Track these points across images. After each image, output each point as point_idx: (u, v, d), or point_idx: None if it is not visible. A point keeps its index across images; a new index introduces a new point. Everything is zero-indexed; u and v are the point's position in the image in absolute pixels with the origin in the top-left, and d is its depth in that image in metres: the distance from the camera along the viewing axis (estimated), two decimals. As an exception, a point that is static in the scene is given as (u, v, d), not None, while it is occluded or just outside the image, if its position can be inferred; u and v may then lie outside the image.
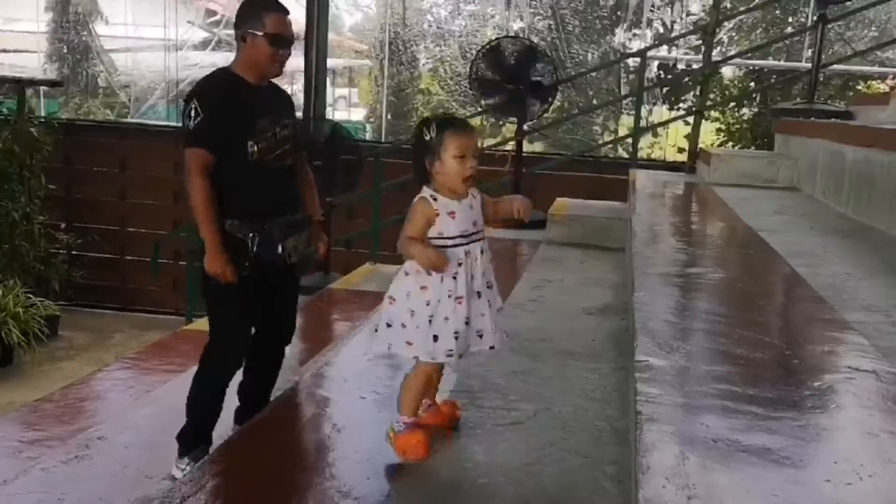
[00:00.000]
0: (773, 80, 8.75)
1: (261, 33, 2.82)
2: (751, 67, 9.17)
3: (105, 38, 10.68)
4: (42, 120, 7.96)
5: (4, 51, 10.82)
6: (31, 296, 6.74)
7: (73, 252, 8.01)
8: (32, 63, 10.34)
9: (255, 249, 2.86)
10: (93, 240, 8.19)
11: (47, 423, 4.04)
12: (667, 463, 1.21)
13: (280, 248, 2.91)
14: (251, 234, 2.85)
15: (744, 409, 1.43)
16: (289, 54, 2.93)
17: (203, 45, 10.57)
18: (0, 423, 4.18)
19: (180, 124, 2.91)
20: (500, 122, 9.07)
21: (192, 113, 2.77)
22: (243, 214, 2.85)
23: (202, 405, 3.05)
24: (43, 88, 9.59)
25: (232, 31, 3.02)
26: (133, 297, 8.54)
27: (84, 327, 7.62)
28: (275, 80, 3.06)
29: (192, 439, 3.04)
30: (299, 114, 5.51)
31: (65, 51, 10.33)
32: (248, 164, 2.83)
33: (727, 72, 9.25)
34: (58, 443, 3.65)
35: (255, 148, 2.82)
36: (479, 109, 7.32)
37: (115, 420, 3.82)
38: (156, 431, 3.41)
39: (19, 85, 7.62)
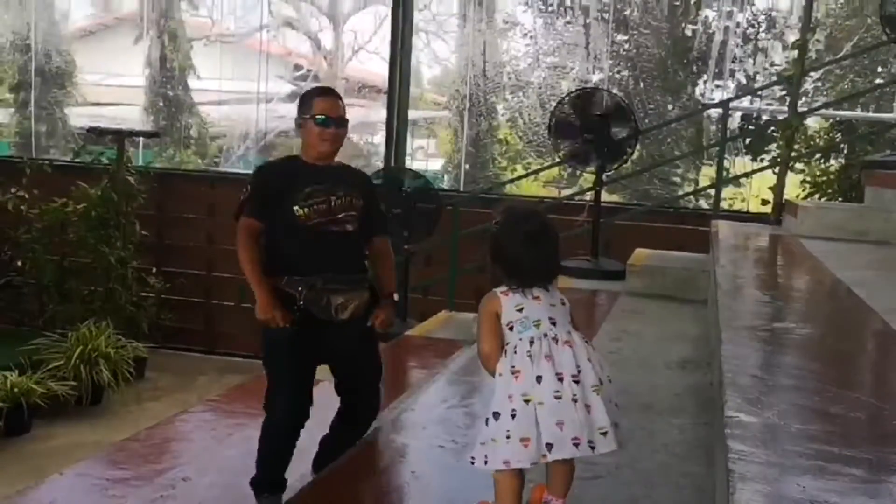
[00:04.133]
0: (861, 132, 8.51)
1: (308, 116, 3.10)
2: (838, 118, 8.94)
3: (198, 92, 11.22)
4: (139, 169, 8.35)
5: (110, 104, 11.47)
6: (121, 337, 7.00)
7: (163, 296, 8.30)
8: (133, 115, 10.92)
9: (301, 302, 2.96)
10: (181, 284, 8.47)
11: (133, 463, 4.15)
12: (761, 523, 1.18)
13: (325, 301, 2.99)
14: (300, 288, 2.98)
15: (842, 471, 1.37)
16: (339, 133, 3.13)
17: (290, 97, 10.98)
18: (88, 462, 4.32)
19: None
20: (578, 173, 9.07)
21: (245, 189, 3.13)
22: (294, 272, 3.00)
23: (267, 453, 3.10)
24: (142, 139, 10.09)
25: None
26: (217, 341, 8.76)
27: (169, 369, 7.84)
28: (348, 164, 3.31)
29: (262, 486, 3.08)
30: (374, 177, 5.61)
31: (161, 104, 10.87)
32: (298, 227, 3.00)
33: (813, 122, 9.04)
34: (143, 482, 3.75)
35: (303, 212, 3.00)
36: (557, 159, 7.33)
37: (198, 461, 3.90)
38: (238, 473, 3.46)
39: (119, 136, 8.04)
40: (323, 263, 3.01)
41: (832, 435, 1.56)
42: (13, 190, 7.84)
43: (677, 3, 9.96)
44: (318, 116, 3.08)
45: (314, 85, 9.63)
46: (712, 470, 2.24)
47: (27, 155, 9.37)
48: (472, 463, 1.87)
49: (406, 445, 2.94)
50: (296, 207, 2.99)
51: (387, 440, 3.01)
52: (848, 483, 1.34)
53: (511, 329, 1.88)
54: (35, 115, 10.51)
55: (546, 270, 1.97)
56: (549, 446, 1.77)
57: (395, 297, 3.33)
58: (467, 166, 10.44)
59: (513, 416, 1.80)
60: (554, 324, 1.88)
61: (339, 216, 3.06)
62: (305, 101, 3.16)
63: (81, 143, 8.68)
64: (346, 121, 3.17)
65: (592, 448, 1.80)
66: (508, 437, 1.79)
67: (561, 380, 1.81)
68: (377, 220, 3.31)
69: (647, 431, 2.64)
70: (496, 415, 1.82)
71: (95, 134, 8.34)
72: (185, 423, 4.77)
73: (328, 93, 3.22)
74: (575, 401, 1.79)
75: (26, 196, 7.83)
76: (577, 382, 1.81)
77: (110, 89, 11.63)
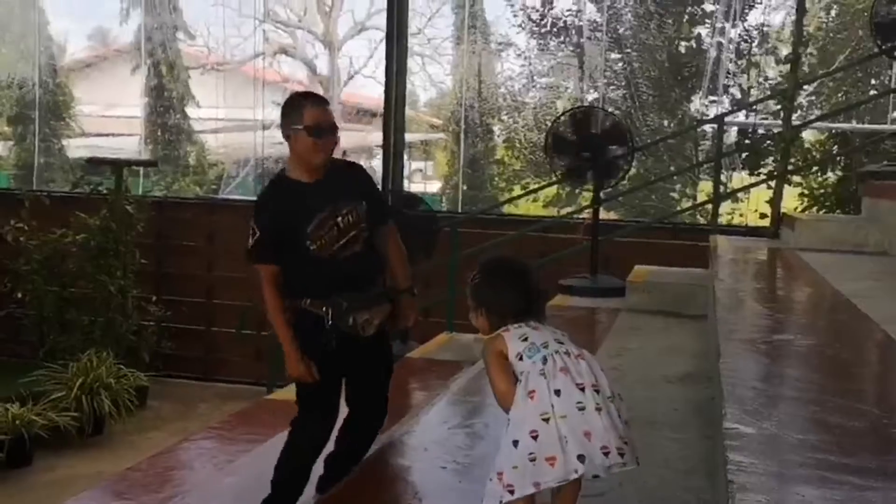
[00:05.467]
0: (857, 143, 8.54)
1: (301, 127, 2.93)
2: (833, 130, 8.98)
3: (196, 121, 11.29)
4: (137, 198, 8.37)
5: (108, 135, 11.53)
6: (122, 367, 6.97)
7: (163, 324, 8.29)
8: (132, 145, 10.97)
9: (330, 322, 2.93)
10: (181, 312, 8.45)
11: (135, 492, 4.13)
12: (761, 534, 1.17)
13: (350, 321, 2.95)
14: (324, 308, 2.93)
15: (842, 480, 1.36)
16: (332, 141, 3.00)
17: (287, 124, 11.03)
18: (91, 492, 4.30)
19: None
20: (578, 191, 9.10)
21: (251, 233, 3.00)
22: (314, 295, 2.96)
23: (286, 477, 3.06)
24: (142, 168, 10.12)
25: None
26: (217, 368, 8.73)
27: (171, 397, 7.80)
28: (348, 159, 3.18)
29: None
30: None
31: (159, 133, 10.92)
32: (313, 258, 2.93)
33: (809, 135, 9.08)
34: (145, 511, 3.73)
35: (315, 246, 2.93)
36: (554, 178, 7.36)
37: (200, 489, 3.88)
38: (239, 500, 3.45)
39: (117, 165, 8.07)
40: (343, 284, 2.96)
41: (832, 444, 1.56)
42: (12, 221, 7.86)
43: (670, 21, 10.05)
44: (311, 127, 2.91)
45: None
46: (715, 484, 2.23)
47: (27, 186, 9.40)
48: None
49: (408, 467, 2.92)
50: (308, 243, 2.92)
51: (389, 462, 3.00)
52: (848, 492, 1.33)
53: (521, 359, 1.86)
54: (34, 147, 10.57)
55: (533, 301, 1.98)
56: (582, 458, 1.73)
57: (415, 290, 3.23)
58: (465, 187, 10.47)
59: (534, 438, 1.75)
60: (561, 343, 1.88)
61: (351, 235, 2.99)
62: (293, 109, 2.98)
63: (80, 173, 8.70)
64: (337, 127, 3.04)
65: (622, 455, 1.76)
66: (533, 460, 1.74)
67: (583, 389, 1.78)
68: (378, 210, 3.19)
69: (648, 447, 2.62)
70: (515, 443, 1.78)
71: (94, 165, 8.37)
72: (186, 451, 4.75)
73: (317, 100, 3.07)
74: (599, 409, 1.76)
75: (25, 227, 7.85)
76: (597, 391, 1.80)
77: (109, 120, 11.70)
